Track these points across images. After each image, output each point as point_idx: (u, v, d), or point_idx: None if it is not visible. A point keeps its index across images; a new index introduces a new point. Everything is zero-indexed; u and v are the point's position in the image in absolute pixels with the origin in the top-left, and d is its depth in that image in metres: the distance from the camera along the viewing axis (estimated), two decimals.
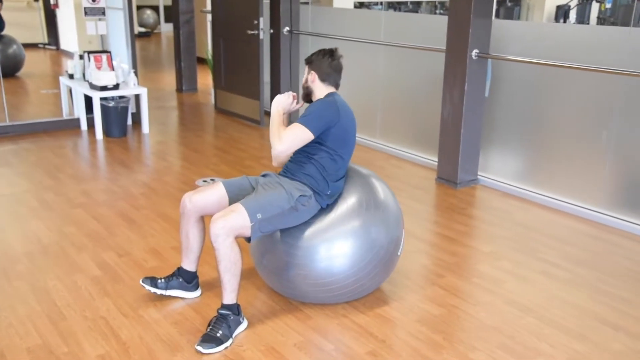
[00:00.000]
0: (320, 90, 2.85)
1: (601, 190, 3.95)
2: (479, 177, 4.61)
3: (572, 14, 9.98)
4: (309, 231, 2.69)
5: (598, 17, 9.90)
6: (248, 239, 2.60)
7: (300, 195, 2.66)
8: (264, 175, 2.88)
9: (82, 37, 6.74)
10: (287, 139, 2.68)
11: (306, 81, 2.88)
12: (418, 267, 3.25)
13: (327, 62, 2.85)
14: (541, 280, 3.12)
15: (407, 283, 3.06)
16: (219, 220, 2.46)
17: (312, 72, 2.85)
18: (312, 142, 2.74)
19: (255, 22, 5.99)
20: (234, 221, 2.48)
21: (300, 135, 2.68)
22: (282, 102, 2.86)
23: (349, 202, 2.76)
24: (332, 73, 2.86)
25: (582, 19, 9.88)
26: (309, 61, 2.89)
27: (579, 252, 3.46)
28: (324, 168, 2.74)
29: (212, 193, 2.76)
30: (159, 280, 2.86)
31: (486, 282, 3.08)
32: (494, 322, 2.71)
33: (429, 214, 4.06)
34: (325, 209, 2.75)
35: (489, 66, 4.37)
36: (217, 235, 2.44)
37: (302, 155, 2.80)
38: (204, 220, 2.82)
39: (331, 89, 2.86)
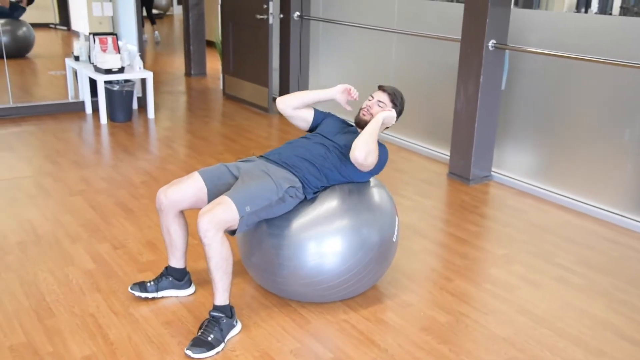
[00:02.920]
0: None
1: (622, 191, 3.75)
2: (492, 173, 4.43)
3: (595, 3, 9.67)
4: (298, 223, 2.54)
5: (621, 7, 9.59)
6: (232, 232, 2.45)
7: (290, 187, 2.52)
8: (245, 161, 2.72)
9: (93, 18, 6.59)
10: (372, 159, 2.59)
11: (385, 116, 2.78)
12: (426, 270, 3.08)
13: (398, 117, 2.85)
14: (556, 287, 2.95)
15: (414, 287, 2.90)
16: (207, 214, 2.30)
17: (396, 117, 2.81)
18: (350, 163, 2.66)
19: (265, 6, 5.80)
20: (223, 215, 2.32)
21: (373, 161, 2.61)
22: (392, 119, 2.79)
23: (338, 194, 2.63)
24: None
25: (605, 8, 9.57)
26: (397, 107, 2.82)
27: (597, 257, 3.28)
28: (328, 177, 2.67)
29: (189, 186, 2.58)
30: (148, 284, 2.72)
31: (498, 289, 2.91)
32: (504, 333, 2.55)
33: (439, 212, 3.89)
34: (310, 200, 2.61)
35: (507, 58, 4.16)
36: (207, 230, 2.29)
37: (328, 161, 2.67)
38: (184, 214, 2.67)
39: None
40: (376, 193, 2.73)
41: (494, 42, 4.01)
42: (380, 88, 2.85)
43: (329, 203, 2.59)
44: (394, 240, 2.72)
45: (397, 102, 2.82)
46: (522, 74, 4.24)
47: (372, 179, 2.82)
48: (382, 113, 2.73)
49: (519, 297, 2.84)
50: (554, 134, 4.11)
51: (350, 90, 2.86)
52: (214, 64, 8.64)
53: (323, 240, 2.51)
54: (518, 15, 4.20)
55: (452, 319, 2.64)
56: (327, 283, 2.57)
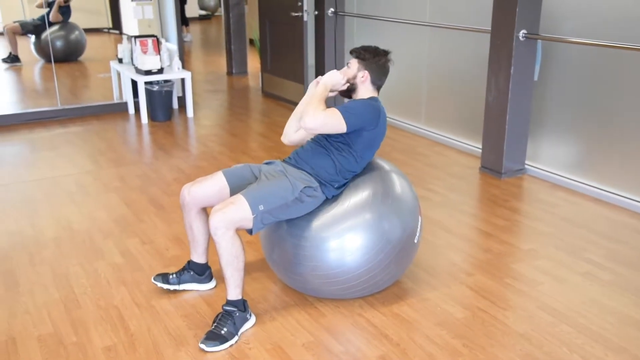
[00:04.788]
0: (366, 91, 2.72)
1: None
2: (526, 166, 4.32)
3: None
4: (318, 223, 2.55)
5: None
6: (250, 231, 2.49)
7: (306, 187, 2.53)
8: (267, 163, 2.76)
9: (142, 22, 6.80)
10: (321, 118, 2.49)
11: (355, 77, 2.70)
12: (446, 264, 3.05)
13: (382, 65, 2.72)
14: (581, 283, 2.86)
15: (432, 281, 2.88)
16: (218, 213, 2.36)
17: (366, 71, 2.69)
18: (339, 136, 2.61)
19: (299, 3, 5.84)
20: (234, 213, 2.37)
21: (335, 123, 2.52)
22: (334, 79, 2.69)
23: (360, 193, 2.60)
24: (382, 77, 2.74)
25: None
26: (363, 58, 2.70)
27: (628, 251, 3.16)
28: (341, 165, 2.62)
29: (212, 184, 2.64)
30: (171, 276, 2.80)
31: (520, 284, 2.86)
32: (521, 329, 2.50)
33: (468, 206, 3.83)
34: (331, 199, 2.61)
35: (539, 48, 4.05)
36: (217, 228, 2.34)
37: (321, 146, 2.67)
38: (207, 211, 2.72)
39: (375, 93, 2.74)
40: (402, 195, 2.67)
41: (525, 32, 3.91)
42: (351, 52, 2.76)
43: (350, 203, 2.58)
44: (415, 241, 2.70)
45: (365, 57, 2.70)
46: (556, 64, 4.12)
47: (404, 180, 2.75)
48: (326, 77, 2.67)
49: (541, 292, 2.78)
50: (591, 125, 3.98)
51: (345, 78, 2.75)
52: (255, 62, 8.74)
53: (343, 241, 2.51)
54: (551, 1, 4.08)
55: (469, 313, 2.61)
56: (346, 283, 2.58)
